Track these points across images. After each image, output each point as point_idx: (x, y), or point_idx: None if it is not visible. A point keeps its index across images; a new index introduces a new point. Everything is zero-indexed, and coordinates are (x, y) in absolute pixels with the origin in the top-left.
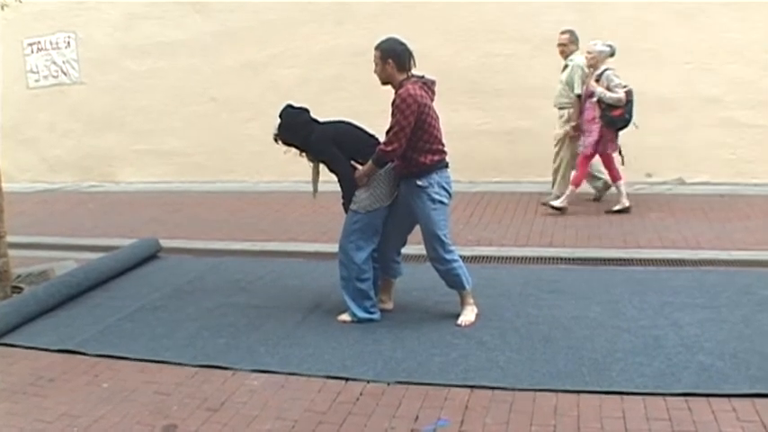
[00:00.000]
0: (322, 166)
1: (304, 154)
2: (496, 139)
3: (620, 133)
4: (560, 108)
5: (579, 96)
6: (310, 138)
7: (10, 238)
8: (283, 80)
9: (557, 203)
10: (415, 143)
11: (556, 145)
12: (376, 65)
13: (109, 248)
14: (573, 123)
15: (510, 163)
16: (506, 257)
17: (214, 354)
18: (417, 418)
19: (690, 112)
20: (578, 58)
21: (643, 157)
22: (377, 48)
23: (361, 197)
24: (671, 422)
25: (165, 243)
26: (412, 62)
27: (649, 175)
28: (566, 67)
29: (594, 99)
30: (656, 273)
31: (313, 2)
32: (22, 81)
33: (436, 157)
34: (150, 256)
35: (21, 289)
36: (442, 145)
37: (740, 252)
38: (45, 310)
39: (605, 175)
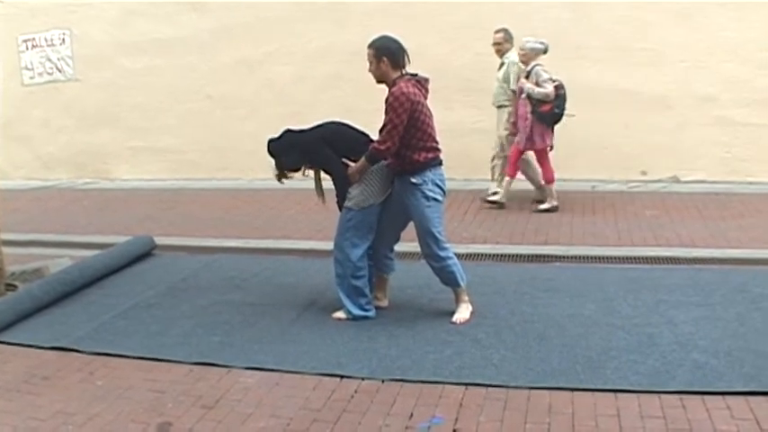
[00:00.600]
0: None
1: (308, 171)
2: (491, 138)
3: (616, 131)
4: (499, 107)
5: (515, 92)
6: (302, 143)
7: (4, 236)
8: (279, 78)
9: (494, 198)
10: (408, 141)
11: (497, 145)
12: (370, 63)
13: (103, 246)
14: (512, 120)
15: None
16: (501, 255)
17: (209, 351)
18: (412, 415)
19: (685, 111)
20: (513, 56)
21: (638, 154)
22: (370, 46)
23: (355, 194)
24: (665, 420)
25: (159, 240)
26: (406, 59)
27: (644, 173)
28: (502, 65)
29: (524, 95)
30: (651, 271)
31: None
32: (16, 78)
33: (430, 155)
34: (145, 253)
35: (15, 286)
36: (436, 142)
37: (734, 250)
38: (39, 307)
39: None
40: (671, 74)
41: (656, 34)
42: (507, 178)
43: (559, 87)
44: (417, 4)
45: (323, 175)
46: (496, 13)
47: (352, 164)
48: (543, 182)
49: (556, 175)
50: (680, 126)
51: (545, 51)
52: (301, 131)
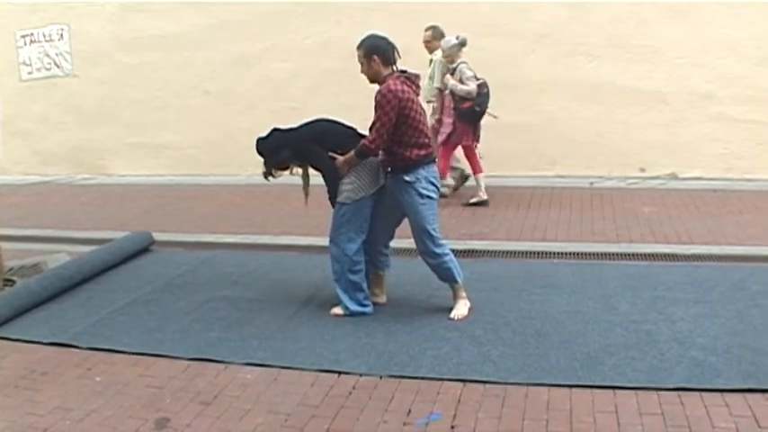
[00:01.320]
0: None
1: (296, 169)
2: (489, 135)
3: (614, 128)
4: (428, 102)
5: (440, 90)
6: (292, 141)
7: (2, 231)
8: (276, 74)
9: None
10: (399, 138)
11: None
12: (362, 64)
13: (101, 241)
14: (437, 116)
15: (503, 157)
16: (499, 252)
17: (206, 347)
18: (410, 411)
19: (683, 108)
20: (441, 53)
21: (636, 151)
22: (359, 47)
23: (346, 188)
24: (663, 417)
25: (157, 236)
26: (396, 54)
27: (642, 170)
28: (431, 62)
29: (447, 91)
30: (649, 267)
31: None
32: (14, 73)
33: (422, 152)
34: (143, 249)
35: (13, 282)
36: (428, 139)
37: (732, 247)
38: (37, 302)
39: (463, 166)
40: (669, 70)
41: (653, 31)
42: (476, 176)
43: (483, 86)
44: (416, 2)
45: (311, 171)
46: (495, 10)
47: (339, 157)
48: (471, 173)
49: (555, 172)
50: (678, 123)
51: (463, 45)
52: (289, 130)
